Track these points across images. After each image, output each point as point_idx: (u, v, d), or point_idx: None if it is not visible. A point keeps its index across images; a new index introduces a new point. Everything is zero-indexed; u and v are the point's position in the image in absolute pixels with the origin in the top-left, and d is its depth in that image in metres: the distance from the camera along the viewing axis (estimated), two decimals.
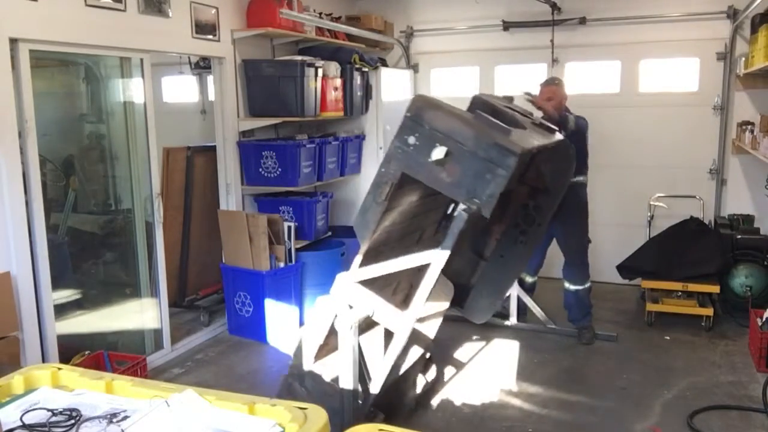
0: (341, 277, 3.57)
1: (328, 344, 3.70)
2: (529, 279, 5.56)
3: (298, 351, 3.76)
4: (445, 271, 3.75)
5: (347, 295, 3.51)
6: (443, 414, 4.12)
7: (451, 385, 4.49)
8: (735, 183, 6.36)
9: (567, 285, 5.32)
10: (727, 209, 6.33)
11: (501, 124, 3.47)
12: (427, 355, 4.39)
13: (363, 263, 3.58)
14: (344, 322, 3.42)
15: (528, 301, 5.41)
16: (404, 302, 3.94)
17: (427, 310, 3.99)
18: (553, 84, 5.28)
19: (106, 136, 5.07)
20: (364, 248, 3.56)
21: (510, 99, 4.87)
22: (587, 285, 5.30)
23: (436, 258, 3.46)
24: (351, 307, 3.49)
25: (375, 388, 3.57)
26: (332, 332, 3.58)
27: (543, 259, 5.60)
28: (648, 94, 6.56)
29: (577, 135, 5.01)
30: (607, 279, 6.34)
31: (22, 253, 3.80)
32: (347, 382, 3.44)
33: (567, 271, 5.31)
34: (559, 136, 4.41)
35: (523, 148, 3.25)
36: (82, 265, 5.01)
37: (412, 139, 3.31)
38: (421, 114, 3.33)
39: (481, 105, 4.01)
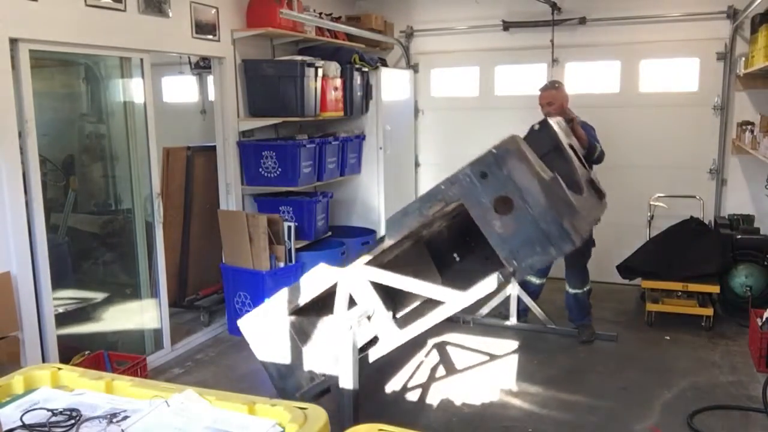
0: (356, 264, 3.51)
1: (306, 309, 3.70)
2: (535, 281, 5.52)
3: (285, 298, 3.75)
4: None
5: (354, 282, 3.47)
6: (443, 414, 4.12)
7: (451, 385, 4.49)
8: (735, 183, 6.36)
9: (567, 288, 5.34)
10: (727, 209, 6.33)
11: (572, 200, 3.30)
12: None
13: (372, 262, 3.55)
14: (343, 323, 3.42)
15: (528, 301, 5.41)
16: (397, 309, 3.93)
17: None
18: (552, 88, 5.25)
19: (106, 136, 5.07)
20: (387, 244, 3.51)
21: (570, 120, 4.83)
22: (587, 288, 5.33)
23: (454, 302, 3.39)
24: (351, 296, 3.47)
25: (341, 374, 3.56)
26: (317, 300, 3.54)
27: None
28: (648, 94, 6.56)
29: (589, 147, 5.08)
30: (607, 279, 6.33)
31: (22, 253, 3.80)
32: (347, 382, 3.43)
33: (568, 274, 5.32)
34: (605, 203, 4.30)
35: (582, 238, 3.13)
36: (82, 265, 5.01)
37: (484, 175, 3.16)
38: (506, 158, 3.16)
39: (546, 137, 3.89)
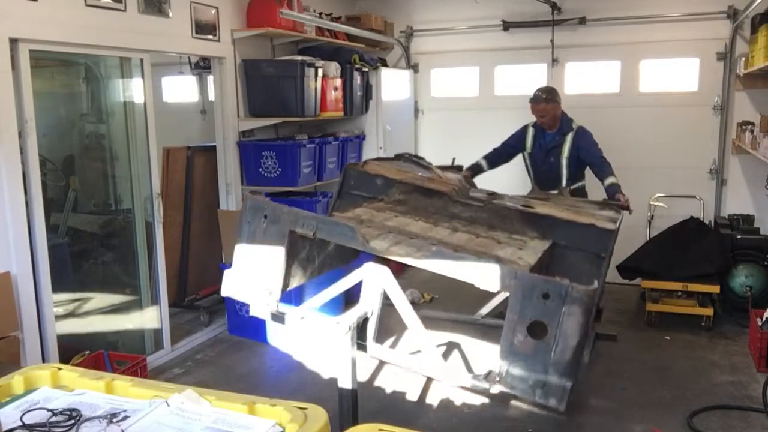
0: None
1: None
2: None
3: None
4: None
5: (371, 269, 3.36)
6: (443, 414, 4.11)
7: (451, 385, 4.49)
8: (735, 183, 6.36)
9: None
10: (727, 209, 6.33)
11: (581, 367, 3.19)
12: None
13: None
14: (342, 324, 3.42)
15: None
16: None
17: None
18: (542, 101, 5.14)
19: (106, 136, 5.07)
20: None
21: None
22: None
23: None
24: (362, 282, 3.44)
25: None
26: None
27: None
28: (648, 94, 6.56)
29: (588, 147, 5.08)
30: (607, 279, 6.31)
31: (22, 253, 3.80)
32: (346, 383, 3.43)
33: None
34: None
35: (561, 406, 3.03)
36: (82, 265, 5.01)
37: (546, 296, 2.95)
38: (575, 303, 2.93)
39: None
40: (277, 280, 3.42)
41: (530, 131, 5.32)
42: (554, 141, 5.20)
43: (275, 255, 3.37)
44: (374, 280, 3.35)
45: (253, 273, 3.47)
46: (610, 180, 4.99)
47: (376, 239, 3.30)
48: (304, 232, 3.26)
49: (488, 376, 3.13)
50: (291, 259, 3.40)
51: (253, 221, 3.42)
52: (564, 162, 5.16)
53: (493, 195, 4.09)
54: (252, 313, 3.53)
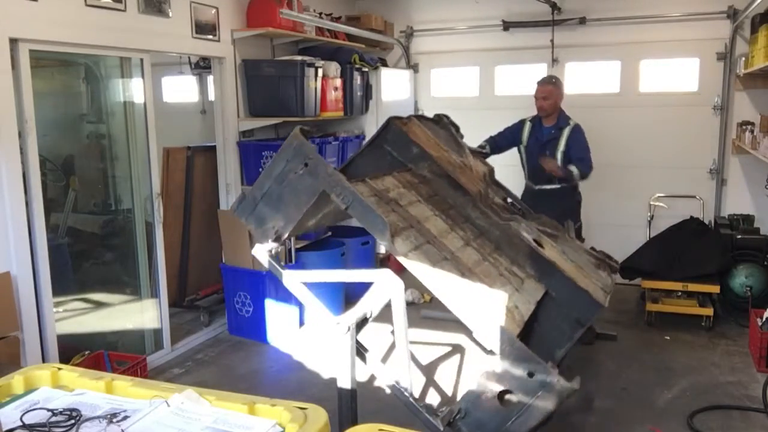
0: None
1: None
2: None
3: None
4: None
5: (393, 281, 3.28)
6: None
7: (451, 385, 4.49)
8: (735, 183, 6.36)
9: None
10: (727, 209, 6.33)
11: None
12: None
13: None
14: (342, 324, 3.42)
15: None
16: None
17: None
18: (550, 83, 5.26)
19: (106, 136, 5.07)
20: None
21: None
22: None
23: None
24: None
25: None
26: None
27: None
28: (648, 94, 6.56)
29: (590, 164, 5.11)
30: None
31: (22, 253, 3.80)
32: (346, 383, 3.43)
33: None
34: None
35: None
36: (82, 265, 5.01)
37: (531, 375, 3.10)
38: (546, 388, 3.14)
39: None
40: (287, 225, 3.38)
41: (527, 125, 5.35)
42: (550, 135, 5.22)
43: (297, 202, 3.33)
44: (386, 290, 3.35)
45: (268, 207, 3.43)
46: (573, 166, 5.06)
47: (400, 237, 3.29)
48: (336, 199, 3.24)
49: (445, 415, 3.21)
50: (309, 212, 3.39)
51: (291, 161, 3.32)
52: (560, 156, 5.17)
53: (511, 211, 4.15)
54: (254, 251, 3.48)
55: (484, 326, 3.15)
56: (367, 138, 6.49)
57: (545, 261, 3.62)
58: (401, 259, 3.24)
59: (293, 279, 3.43)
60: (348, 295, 5.38)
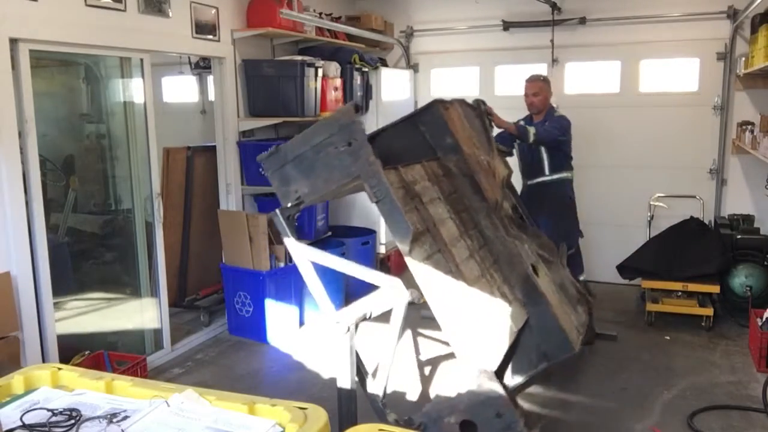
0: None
1: None
2: None
3: None
4: None
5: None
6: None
7: (451, 385, 4.48)
8: (735, 183, 6.36)
9: None
10: (727, 209, 6.33)
11: None
12: None
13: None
14: (342, 324, 3.42)
15: None
16: None
17: None
18: (539, 80, 5.31)
19: (106, 136, 5.07)
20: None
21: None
22: (581, 279, 5.28)
23: None
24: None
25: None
26: None
27: None
28: (648, 94, 6.56)
29: (554, 138, 5.12)
30: (607, 279, 6.34)
31: (22, 253, 3.80)
32: (345, 383, 3.43)
33: None
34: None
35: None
36: (82, 265, 5.01)
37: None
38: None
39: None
40: (311, 194, 3.38)
41: (520, 123, 5.37)
42: None
43: (327, 177, 3.30)
44: (391, 299, 3.37)
45: (297, 170, 3.40)
46: (532, 128, 5.08)
47: (417, 244, 3.30)
48: (368, 190, 3.22)
49: (408, 422, 3.29)
50: (337, 188, 3.37)
51: (335, 135, 3.26)
52: (546, 151, 5.25)
53: (517, 224, 4.21)
54: (279, 210, 3.45)
55: (468, 355, 3.22)
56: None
57: (537, 291, 3.65)
58: (413, 266, 3.26)
59: (301, 253, 3.39)
60: (347, 294, 5.38)
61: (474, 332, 3.31)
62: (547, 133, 5.13)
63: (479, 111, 4.69)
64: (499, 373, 3.35)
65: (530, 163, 5.38)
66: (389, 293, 3.34)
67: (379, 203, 3.22)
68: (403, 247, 3.23)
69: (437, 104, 4.10)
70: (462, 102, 4.55)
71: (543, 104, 5.25)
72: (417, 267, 3.27)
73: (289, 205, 3.44)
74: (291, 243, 3.44)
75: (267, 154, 3.47)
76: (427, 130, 4.07)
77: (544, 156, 5.31)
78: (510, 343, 3.40)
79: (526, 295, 3.67)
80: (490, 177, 4.25)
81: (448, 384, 3.25)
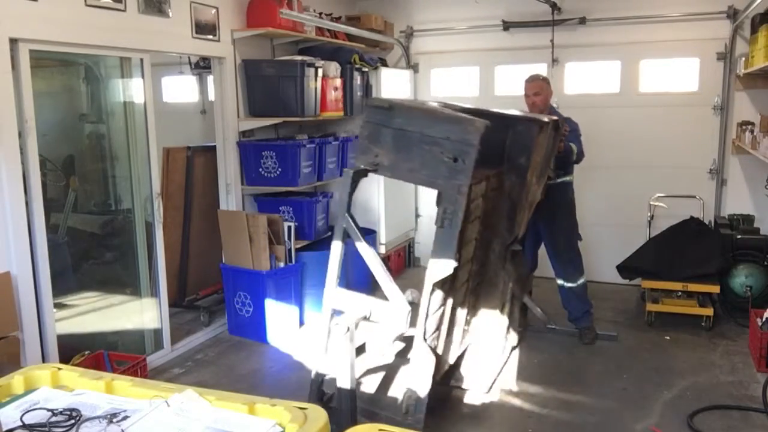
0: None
1: None
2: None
3: None
4: None
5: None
6: (443, 414, 4.11)
7: (451, 385, 4.49)
8: (735, 183, 6.36)
9: (560, 282, 5.31)
10: (727, 209, 6.33)
11: None
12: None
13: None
14: (342, 324, 3.42)
15: (527, 301, 5.40)
16: None
17: None
18: (539, 79, 5.22)
19: (106, 136, 5.07)
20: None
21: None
22: (581, 281, 5.27)
23: None
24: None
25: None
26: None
27: (535, 259, 5.61)
28: (648, 94, 6.56)
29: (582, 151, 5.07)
30: (607, 279, 6.33)
31: (22, 253, 3.80)
32: (344, 383, 3.43)
33: (558, 269, 5.30)
34: None
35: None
36: (82, 265, 5.01)
37: None
38: None
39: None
40: (387, 170, 3.40)
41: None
42: None
43: (412, 168, 3.29)
44: (396, 317, 3.44)
45: (391, 141, 3.36)
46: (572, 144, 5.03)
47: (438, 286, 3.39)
48: (439, 211, 3.23)
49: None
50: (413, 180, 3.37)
51: (450, 142, 3.14)
52: None
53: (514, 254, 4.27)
54: (351, 170, 3.47)
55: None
56: None
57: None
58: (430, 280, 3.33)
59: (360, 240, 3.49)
60: (348, 286, 5.37)
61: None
62: (580, 150, 5.06)
63: (558, 133, 4.59)
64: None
65: None
66: (392, 310, 3.39)
67: (440, 227, 3.21)
68: (436, 268, 3.25)
69: (535, 125, 4.01)
70: (555, 123, 4.46)
71: (545, 104, 5.18)
72: (428, 300, 3.35)
73: (362, 167, 3.37)
74: (348, 221, 3.46)
75: (377, 104, 3.34)
76: (513, 140, 4.01)
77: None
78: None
79: (471, 328, 3.89)
80: (528, 211, 4.24)
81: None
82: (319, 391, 3.65)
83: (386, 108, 3.34)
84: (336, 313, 3.70)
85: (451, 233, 3.17)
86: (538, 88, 5.13)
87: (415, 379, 3.37)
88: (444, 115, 3.30)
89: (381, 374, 3.86)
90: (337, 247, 3.56)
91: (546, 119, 4.23)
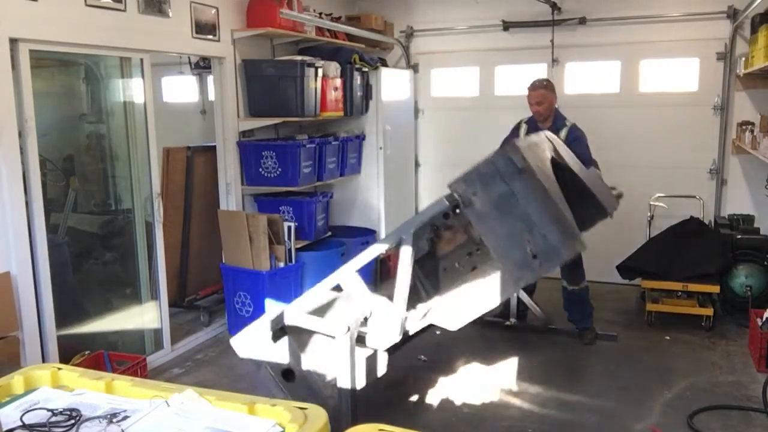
0: None
1: None
2: None
3: None
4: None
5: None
6: (443, 414, 4.12)
7: (451, 385, 4.49)
8: (735, 183, 6.36)
9: (564, 285, 5.31)
10: (727, 209, 6.33)
11: None
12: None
13: None
14: (341, 325, 3.42)
15: (528, 301, 5.41)
16: None
17: None
18: (541, 87, 5.13)
19: (106, 136, 5.07)
20: None
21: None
22: (583, 285, 5.27)
23: None
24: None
25: None
26: None
27: None
28: (648, 94, 6.55)
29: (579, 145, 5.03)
30: (607, 279, 6.33)
31: (22, 253, 3.80)
32: (345, 383, 3.44)
33: (564, 272, 5.30)
34: None
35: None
36: (82, 265, 5.00)
37: None
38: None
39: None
40: (479, 218, 3.41)
41: (523, 127, 5.28)
42: None
43: (499, 224, 3.27)
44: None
45: (493, 205, 3.33)
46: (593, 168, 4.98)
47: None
48: (501, 276, 3.28)
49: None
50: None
51: (536, 231, 3.10)
52: None
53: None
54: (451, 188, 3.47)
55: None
56: (368, 136, 6.52)
57: None
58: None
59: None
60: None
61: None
62: (582, 138, 5.04)
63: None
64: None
65: None
66: (391, 316, 3.42)
67: (474, 273, 3.26)
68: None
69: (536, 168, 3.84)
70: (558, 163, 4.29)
71: (548, 111, 5.11)
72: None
73: (456, 196, 3.37)
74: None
75: (513, 156, 3.19)
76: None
77: None
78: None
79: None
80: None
81: None
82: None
83: (517, 166, 3.22)
84: None
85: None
86: (540, 98, 5.08)
87: None
88: (557, 213, 3.17)
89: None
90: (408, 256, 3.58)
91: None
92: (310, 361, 3.57)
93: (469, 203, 3.29)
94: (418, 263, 3.80)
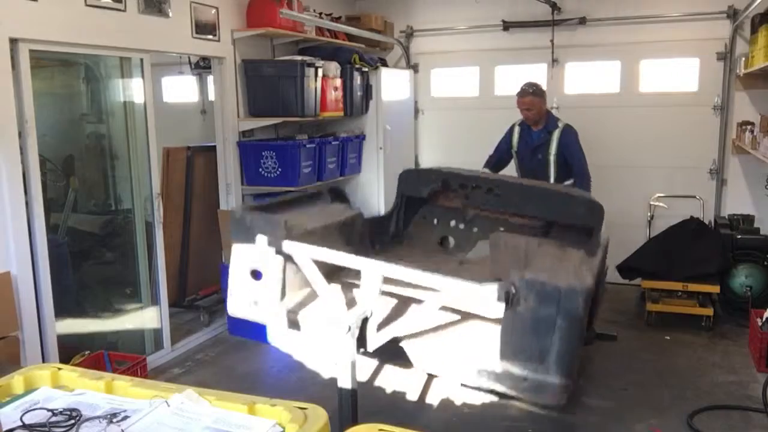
0: None
1: None
2: None
3: None
4: None
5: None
6: (443, 414, 4.12)
7: (451, 385, 4.49)
8: (735, 183, 6.36)
9: None
10: (727, 209, 6.33)
11: None
12: None
13: None
14: (342, 324, 3.42)
15: None
16: None
17: None
18: (528, 93, 5.11)
19: (106, 136, 5.07)
20: None
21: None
22: None
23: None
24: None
25: None
26: None
27: None
28: (648, 94, 6.56)
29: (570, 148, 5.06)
30: (607, 279, 6.32)
31: (22, 253, 3.80)
32: (346, 383, 3.43)
33: None
34: None
35: None
36: (82, 265, 5.01)
37: None
38: None
39: None
40: None
41: (516, 129, 5.32)
42: (540, 139, 5.19)
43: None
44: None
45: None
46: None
47: None
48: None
49: None
50: None
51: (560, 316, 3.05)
52: (552, 159, 5.14)
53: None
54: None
55: None
56: (368, 136, 6.51)
57: None
58: None
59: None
60: None
61: None
62: (585, 183, 5.05)
63: None
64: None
65: (533, 173, 5.22)
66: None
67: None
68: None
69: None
70: None
71: (538, 115, 5.13)
72: None
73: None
74: None
75: (560, 291, 3.12)
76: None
77: (552, 168, 5.16)
78: None
79: None
80: None
81: None
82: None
83: (577, 310, 3.16)
84: None
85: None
86: (529, 104, 5.10)
87: None
88: (571, 361, 3.18)
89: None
90: None
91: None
92: None
93: (517, 303, 3.27)
94: None
